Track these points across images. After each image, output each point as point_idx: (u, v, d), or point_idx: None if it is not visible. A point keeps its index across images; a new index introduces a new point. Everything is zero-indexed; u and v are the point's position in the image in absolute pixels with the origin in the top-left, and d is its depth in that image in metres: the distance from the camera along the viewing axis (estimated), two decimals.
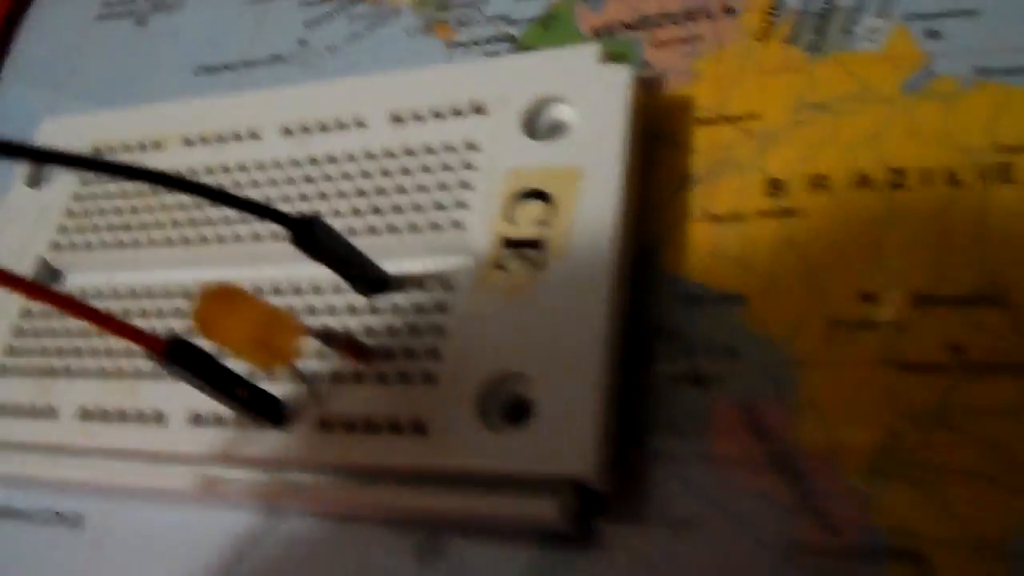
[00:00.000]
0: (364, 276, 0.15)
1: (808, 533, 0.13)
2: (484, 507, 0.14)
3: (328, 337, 0.14)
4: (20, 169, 0.21)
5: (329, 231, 0.14)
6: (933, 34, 0.16)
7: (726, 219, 0.16)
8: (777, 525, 0.13)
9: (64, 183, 0.20)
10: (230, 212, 0.17)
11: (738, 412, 0.14)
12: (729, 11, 0.18)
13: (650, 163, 0.16)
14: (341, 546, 0.15)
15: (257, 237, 0.17)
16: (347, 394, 0.15)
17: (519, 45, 0.20)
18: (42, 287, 0.14)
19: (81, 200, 0.20)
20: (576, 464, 0.13)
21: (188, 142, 0.19)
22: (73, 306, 0.12)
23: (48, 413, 0.17)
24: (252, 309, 0.13)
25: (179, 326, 0.17)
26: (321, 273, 0.15)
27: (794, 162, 0.16)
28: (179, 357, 0.13)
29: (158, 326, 0.17)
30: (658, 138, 0.17)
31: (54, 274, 0.19)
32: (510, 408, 0.14)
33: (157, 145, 0.20)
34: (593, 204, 0.15)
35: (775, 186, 0.15)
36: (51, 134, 0.21)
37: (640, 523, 0.14)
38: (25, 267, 0.19)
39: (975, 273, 0.14)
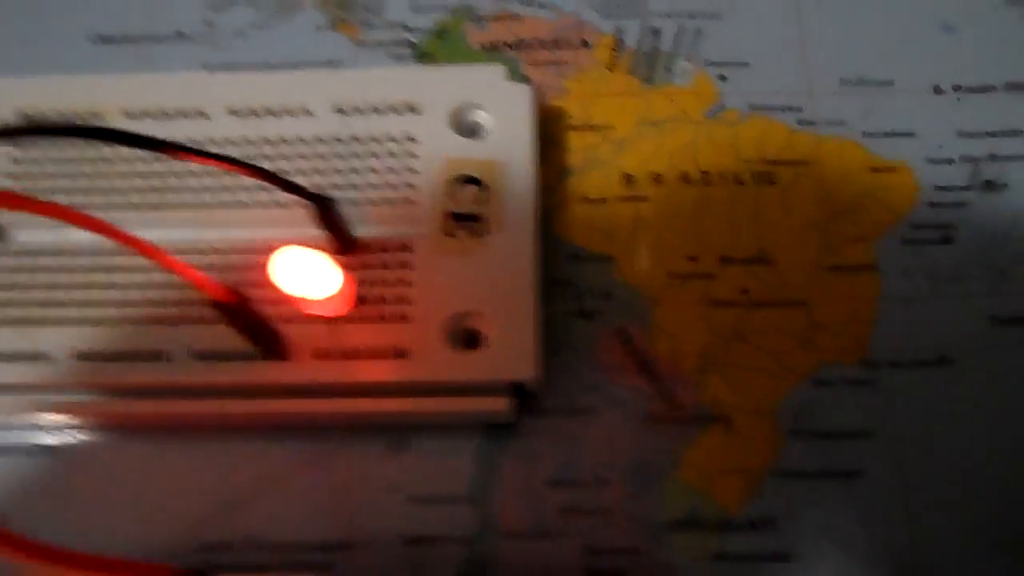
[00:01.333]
0: (339, 238, 0.19)
1: (662, 409, 0.20)
2: (455, 407, 0.19)
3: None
4: None
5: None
6: (723, 78, 0.23)
7: (596, 201, 0.22)
8: (643, 406, 0.20)
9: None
10: (175, 177, 0.21)
11: (614, 335, 0.21)
12: (584, 44, 0.24)
13: (540, 158, 0.22)
14: (329, 452, 0.20)
15: (208, 200, 0.21)
16: (336, 332, 0.19)
17: (419, 51, 0.24)
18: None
19: (21, 163, 0.21)
20: (523, 372, 0.19)
21: (130, 115, 0.22)
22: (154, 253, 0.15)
23: (38, 357, 0.19)
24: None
25: (123, 279, 0.20)
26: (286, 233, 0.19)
27: (639, 163, 0.22)
28: (230, 311, 0.17)
29: (102, 279, 0.20)
30: (543, 138, 0.23)
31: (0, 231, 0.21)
32: (465, 337, 0.19)
33: (96, 115, 0.22)
34: (516, 188, 0.20)
35: (627, 179, 0.22)
36: None
37: (552, 414, 0.20)
38: None
39: (754, 242, 0.21)
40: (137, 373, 0.19)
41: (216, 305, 0.17)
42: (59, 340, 0.19)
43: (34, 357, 0.19)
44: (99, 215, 0.20)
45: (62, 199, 0.21)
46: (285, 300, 0.18)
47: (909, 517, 0.19)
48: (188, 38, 0.25)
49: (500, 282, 0.20)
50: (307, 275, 0.17)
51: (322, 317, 0.19)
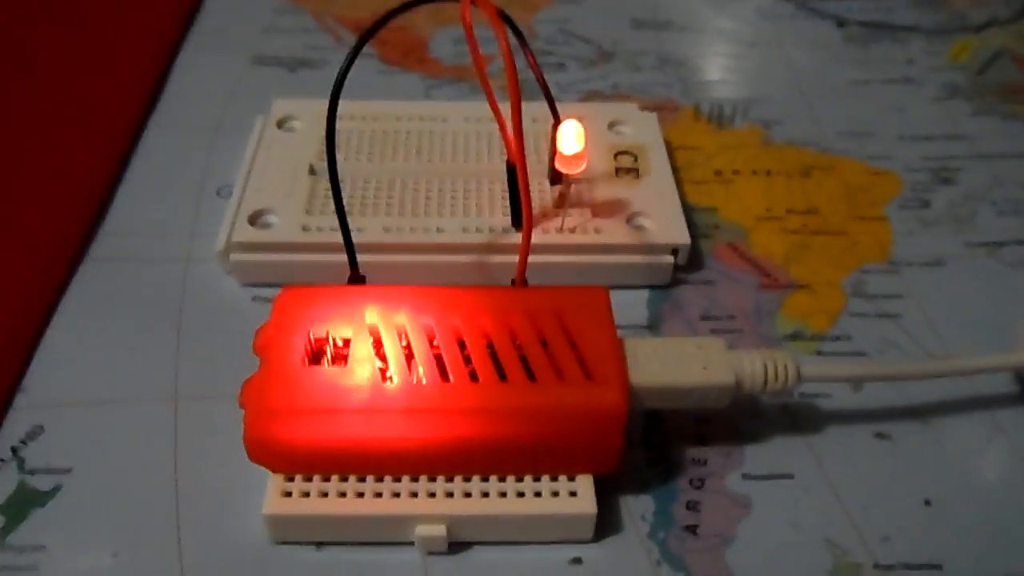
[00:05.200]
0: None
1: (763, 280, 0.30)
2: (637, 261, 0.29)
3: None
4: (259, 125, 0.33)
5: None
6: (767, 127, 0.37)
7: (700, 183, 0.34)
8: (751, 280, 0.30)
9: (314, 123, 0.33)
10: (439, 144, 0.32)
11: (726, 246, 0.31)
12: (675, 108, 0.37)
13: None
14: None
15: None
16: (556, 217, 0.29)
17: None
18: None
19: None
20: (680, 238, 0.29)
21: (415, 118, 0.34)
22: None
23: (358, 232, 0.29)
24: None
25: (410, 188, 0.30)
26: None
27: (722, 165, 0.35)
28: (513, 171, 0.27)
29: (381, 206, 0.30)
30: None
31: (312, 169, 0.31)
32: (637, 226, 0.30)
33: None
34: (656, 153, 0.32)
35: (717, 172, 0.34)
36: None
37: (692, 284, 0.30)
38: (302, 168, 0.31)
39: (805, 203, 0.33)
40: (421, 236, 0.29)
41: (509, 164, 0.27)
42: (371, 222, 0.29)
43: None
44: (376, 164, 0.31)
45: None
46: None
47: (936, 334, 0.28)
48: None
49: (655, 197, 0.31)
50: (576, 139, 0.28)
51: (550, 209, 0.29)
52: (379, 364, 0.22)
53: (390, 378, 0.21)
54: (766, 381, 0.23)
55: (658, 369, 0.22)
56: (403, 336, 0.22)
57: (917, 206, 0.33)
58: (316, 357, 0.22)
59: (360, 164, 0.32)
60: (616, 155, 0.32)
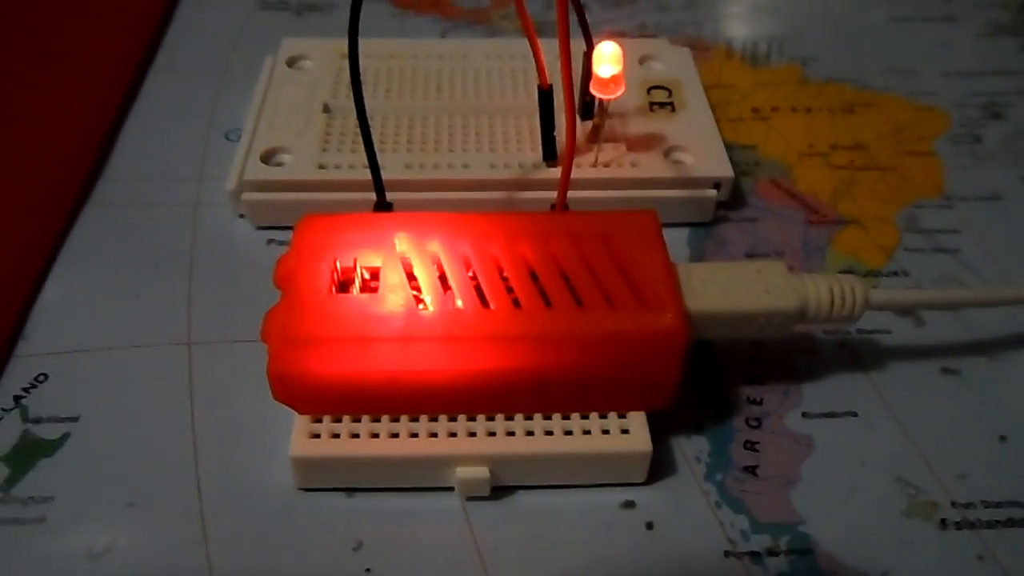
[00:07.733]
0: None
1: (809, 217, 0.28)
2: (677, 196, 0.27)
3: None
4: (268, 65, 0.31)
5: None
6: (804, 64, 0.35)
7: (736, 120, 0.32)
8: (797, 215, 0.28)
9: (325, 62, 0.31)
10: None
11: (767, 182, 0.29)
12: (706, 49, 0.35)
13: None
14: None
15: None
16: (592, 151, 0.27)
17: None
18: None
19: (344, 71, 0.30)
20: (723, 171, 0.27)
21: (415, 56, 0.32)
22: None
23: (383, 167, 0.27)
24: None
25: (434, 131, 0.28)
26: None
27: (760, 103, 0.33)
28: (546, 98, 0.25)
29: (401, 143, 0.28)
30: None
31: (327, 107, 0.29)
32: (673, 162, 0.28)
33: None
34: (690, 86, 0.30)
35: (754, 110, 0.32)
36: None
37: (733, 221, 0.28)
38: (315, 107, 0.29)
39: (851, 139, 0.31)
40: (446, 173, 0.27)
41: (542, 90, 0.25)
42: (392, 159, 0.27)
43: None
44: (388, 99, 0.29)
45: None
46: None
47: (998, 267, 0.27)
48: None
49: (692, 131, 0.29)
50: (613, 60, 0.26)
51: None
52: (413, 292, 0.20)
53: (426, 306, 0.20)
54: (832, 306, 0.21)
55: (716, 294, 0.20)
56: (437, 264, 0.21)
57: (969, 141, 0.31)
58: (343, 286, 0.20)
59: (377, 101, 0.30)
60: (649, 90, 0.30)
